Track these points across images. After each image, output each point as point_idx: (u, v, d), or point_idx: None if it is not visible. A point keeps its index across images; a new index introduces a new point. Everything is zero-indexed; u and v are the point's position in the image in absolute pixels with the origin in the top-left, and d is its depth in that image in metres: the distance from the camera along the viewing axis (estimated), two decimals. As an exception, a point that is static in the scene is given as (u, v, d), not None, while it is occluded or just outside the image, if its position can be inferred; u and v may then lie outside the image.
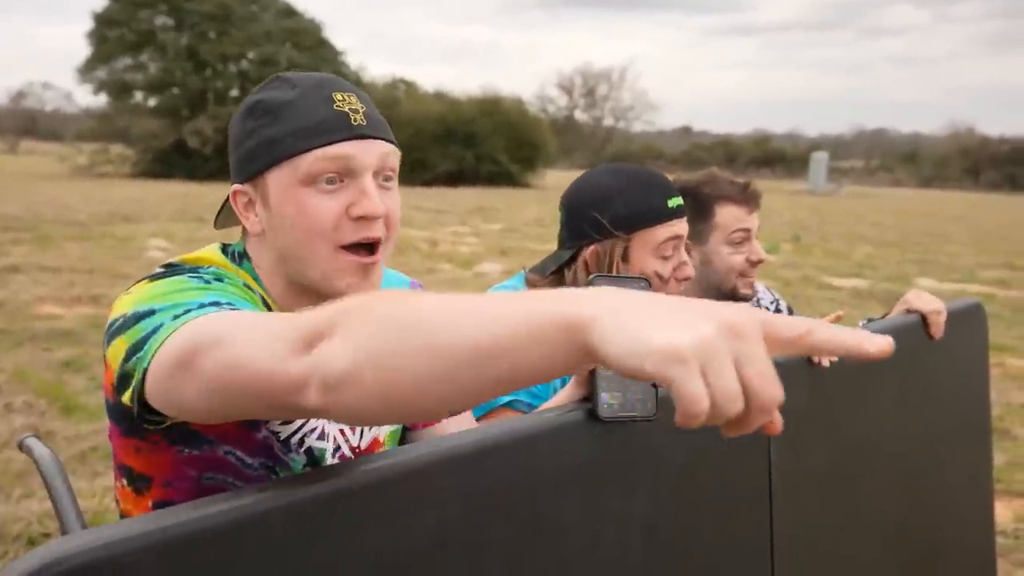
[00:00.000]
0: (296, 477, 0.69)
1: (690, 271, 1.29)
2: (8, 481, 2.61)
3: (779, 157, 48.02)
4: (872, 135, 68.16)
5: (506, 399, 1.20)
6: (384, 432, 1.04)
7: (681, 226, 1.27)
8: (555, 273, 1.31)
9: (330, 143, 0.83)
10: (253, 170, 0.87)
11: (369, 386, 0.53)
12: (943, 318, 1.50)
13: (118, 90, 25.16)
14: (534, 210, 13.49)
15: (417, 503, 0.74)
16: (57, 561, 0.54)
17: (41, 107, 60.13)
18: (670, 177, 1.65)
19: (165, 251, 7.76)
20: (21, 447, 1.17)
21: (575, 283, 1.28)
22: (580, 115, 54.25)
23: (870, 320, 1.64)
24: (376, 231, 0.86)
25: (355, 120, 0.85)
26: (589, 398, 0.88)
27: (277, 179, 0.85)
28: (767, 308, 1.76)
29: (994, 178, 40.40)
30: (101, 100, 26.72)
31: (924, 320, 1.49)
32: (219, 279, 0.83)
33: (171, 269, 0.85)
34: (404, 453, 0.77)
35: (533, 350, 0.49)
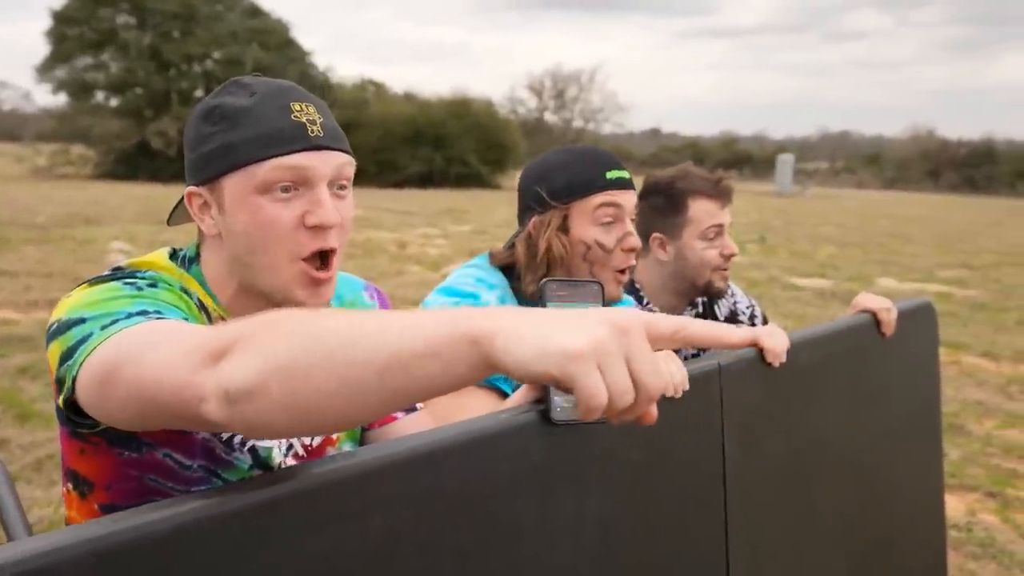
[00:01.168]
0: (243, 482, 0.69)
1: (636, 242, 1.30)
2: (-39, 491, 2.55)
3: (746, 159, 48.66)
4: (837, 137, 69.37)
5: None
6: None
7: (622, 196, 1.30)
8: (511, 247, 1.36)
9: (287, 153, 0.85)
10: (209, 174, 0.88)
11: (274, 399, 0.55)
12: (893, 315, 1.54)
13: (78, 90, 24.61)
14: (504, 211, 13.51)
15: (367, 506, 0.74)
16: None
17: (-2, 107, 58.74)
18: (641, 177, 1.69)
19: (127, 254, 7.62)
20: None
21: (524, 252, 1.32)
22: (550, 117, 54.43)
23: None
24: (331, 241, 0.88)
25: (312, 131, 0.87)
26: (542, 401, 0.89)
27: (233, 184, 0.86)
28: (743, 313, 1.79)
29: (953, 180, 41.38)
30: (61, 100, 26.17)
31: (876, 319, 1.53)
32: (153, 284, 0.84)
33: (112, 273, 0.86)
34: (353, 456, 0.77)
35: (436, 363, 0.51)
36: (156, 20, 24.60)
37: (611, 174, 1.29)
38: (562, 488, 0.92)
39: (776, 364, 1.25)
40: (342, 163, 0.89)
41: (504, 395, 1.25)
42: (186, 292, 0.89)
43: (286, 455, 0.97)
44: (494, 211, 13.32)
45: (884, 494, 1.57)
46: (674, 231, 1.59)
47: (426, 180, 24.16)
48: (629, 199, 1.31)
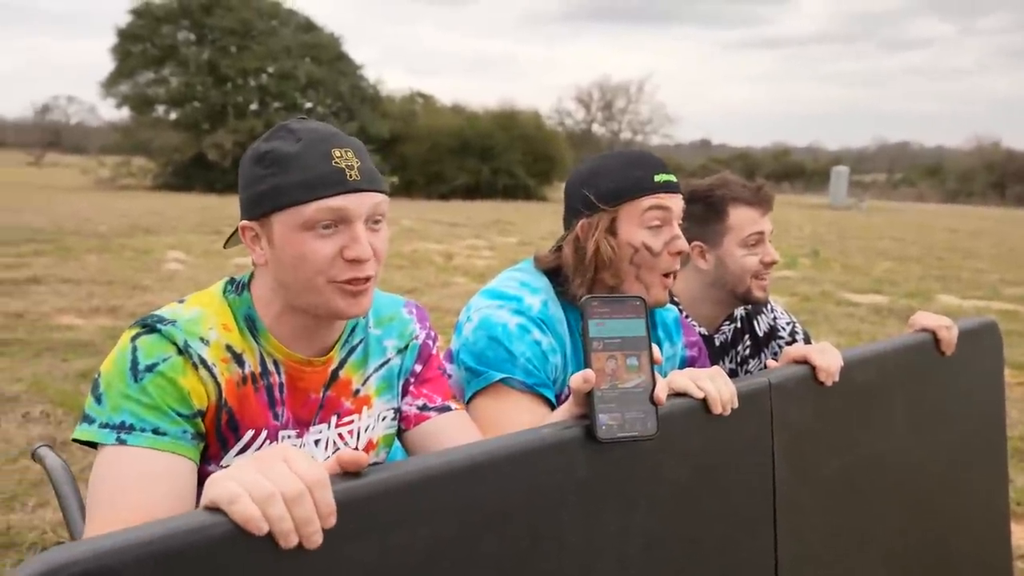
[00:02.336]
0: None
1: (683, 245, 1.29)
2: (24, 490, 2.65)
3: (799, 171, 47.74)
4: (895, 148, 67.58)
5: (500, 376, 1.22)
6: (377, 434, 1.15)
7: (671, 200, 1.29)
8: (557, 250, 1.36)
9: (329, 196, 0.97)
10: (260, 211, 1.00)
11: None
12: (954, 333, 1.49)
13: (140, 104, 25.49)
14: (549, 223, 13.50)
15: (413, 517, 0.74)
16: (53, 570, 0.56)
17: (66, 121, 61.27)
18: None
19: (183, 263, 7.86)
20: (34, 456, 1.20)
21: (572, 255, 1.32)
22: (598, 128, 54.31)
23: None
24: (366, 271, 1.00)
25: (350, 176, 0.99)
26: (587, 417, 0.88)
27: (281, 222, 0.98)
28: (783, 329, 1.75)
29: (1020, 192, 39.88)
30: (124, 114, 27.07)
31: (935, 338, 1.49)
32: (151, 369, 0.95)
33: (144, 330, 0.98)
34: (400, 467, 0.77)
35: None
36: (214, 36, 25.38)
37: (660, 177, 1.29)
38: (607, 504, 0.92)
39: (828, 383, 1.22)
40: (377, 201, 1.01)
41: (548, 402, 1.25)
42: (201, 340, 1.00)
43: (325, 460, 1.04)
44: (540, 223, 13.35)
45: (945, 521, 1.51)
46: (714, 239, 1.58)
47: (473, 192, 24.32)
48: (677, 203, 1.30)
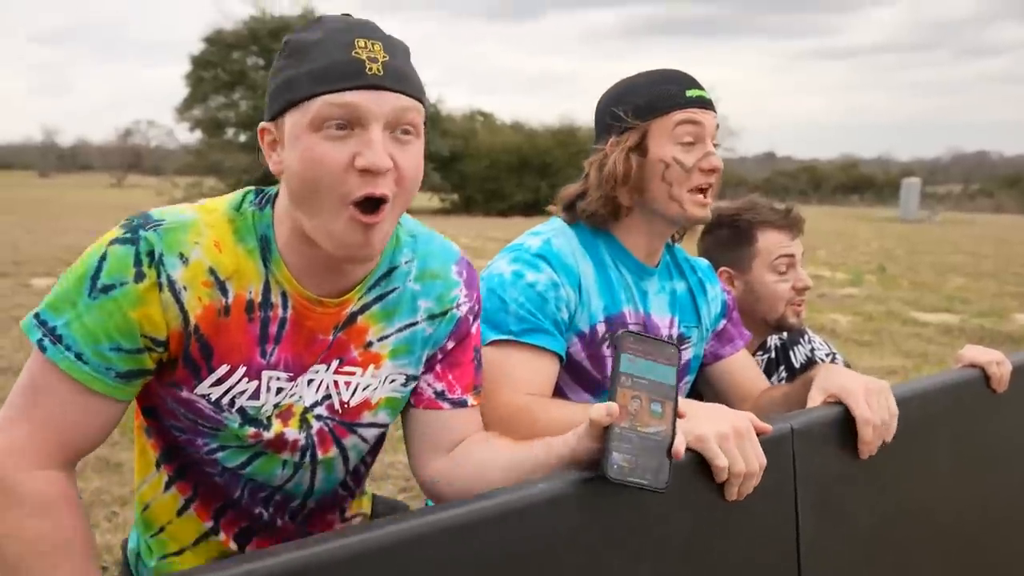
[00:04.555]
0: (293, 543, 0.70)
1: (717, 162, 1.23)
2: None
3: (868, 183, 46.17)
4: (971, 158, 64.84)
5: (494, 335, 1.17)
6: (379, 395, 1.02)
7: (703, 115, 1.24)
8: (585, 177, 1.30)
9: (339, 90, 0.82)
10: (274, 110, 0.88)
11: None
12: (1005, 369, 1.40)
13: (212, 127, 26.50)
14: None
15: (421, 571, 0.73)
16: None
17: (146, 144, 64.31)
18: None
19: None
20: None
21: (595, 175, 1.26)
22: (658, 143, 53.79)
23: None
24: (382, 187, 0.84)
25: (370, 69, 0.83)
26: (600, 453, 0.83)
27: (291, 121, 0.85)
28: (822, 360, 1.67)
29: (1108, 203, 37.62)
30: (197, 136, 28.21)
31: (985, 374, 1.39)
32: (106, 290, 0.86)
33: (123, 234, 0.88)
34: (406, 520, 0.76)
35: None
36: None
37: (692, 92, 1.23)
38: (611, 557, 0.88)
39: (866, 447, 1.10)
40: (403, 106, 0.85)
41: (544, 350, 1.18)
42: (181, 258, 0.88)
43: (320, 404, 0.98)
44: (597, 239, 13.28)
45: (999, 574, 1.41)
46: (742, 264, 1.54)
47: (532, 208, 24.34)
48: (710, 119, 1.24)
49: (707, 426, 0.91)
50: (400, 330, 1.00)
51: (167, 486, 1.04)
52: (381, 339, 0.99)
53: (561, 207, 1.34)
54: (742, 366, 1.41)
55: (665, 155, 1.22)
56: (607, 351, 1.27)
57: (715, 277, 1.44)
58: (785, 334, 1.66)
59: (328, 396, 0.98)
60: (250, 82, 25.94)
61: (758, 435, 0.96)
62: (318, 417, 0.99)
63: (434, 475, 1.05)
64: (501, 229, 16.74)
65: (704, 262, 1.45)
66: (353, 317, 0.97)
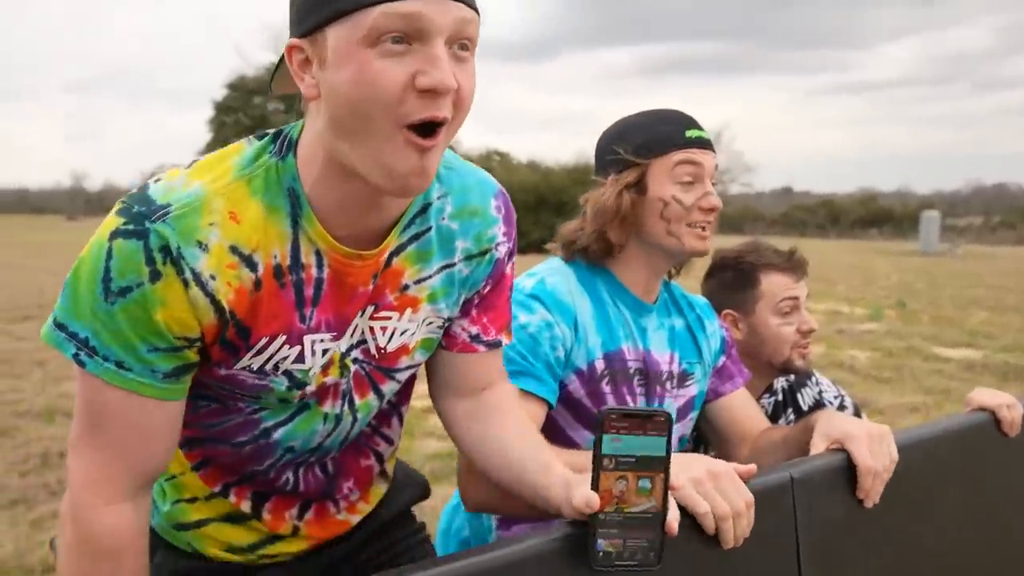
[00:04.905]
0: None
1: (716, 201, 1.24)
2: None
3: (887, 216, 45.86)
4: (991, 190, 64.30)
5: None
6: (415, 340, 0.95)
7: (702, 156, 1.25)
8: (583, 214, 1.33)
9: None
10: (312, 24, 0.75)
11: None
12: (1017, 413, 1.37)
13: (234, 170, 27.15)
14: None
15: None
16: None
17: (169, 187, 65.29)
18: (766, 238, 1.63)
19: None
20: (51, 546, 1.21)
21: (590, 211, 1.28)
22: (674, 179, 53.93)
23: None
24: (444, 109, 0.75)
25: None
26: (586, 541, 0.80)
27: (337, 35, 0.73)
28: (830, 403, 1.65)
29: None
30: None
31: (995, 418, 1.37)
32: (123, 293, 0.77)
33: (126, 224, 0.78)
34: None
35: None
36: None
37: (691, 133, 1.25)
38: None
39: (867, 496, 1.09)
40: (466, 17, 0.74)
41: (544, 401, 1.18)
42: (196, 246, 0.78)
43: (355, 347, 0.92)
44: (614, 277, 13.28)
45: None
46: (746, 307, 1.53)
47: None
48: (709, 159, 1.25)
49: (680, 474, 0.88)
50: (437, 272, 0.93)
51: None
52: (418, 282, 0.91)
53: (560, 244, 1.34)
54: (742, 404, 1.40)
55: (664, 194, 1.23)
56: (607, 387, 1.26)
57: (713, 314, 1.44)
58: (792, 376, 1.64)
59: (363, 341, 0.92)
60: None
61: (746, 480, 0.94)
62: (355, 360, 0.93)
63: (458, 415, 1.04)
64: (519, 266, 16.77)
65: (702, 299, 1.45)
66: (388, 260, 0.88)
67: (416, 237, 0.90)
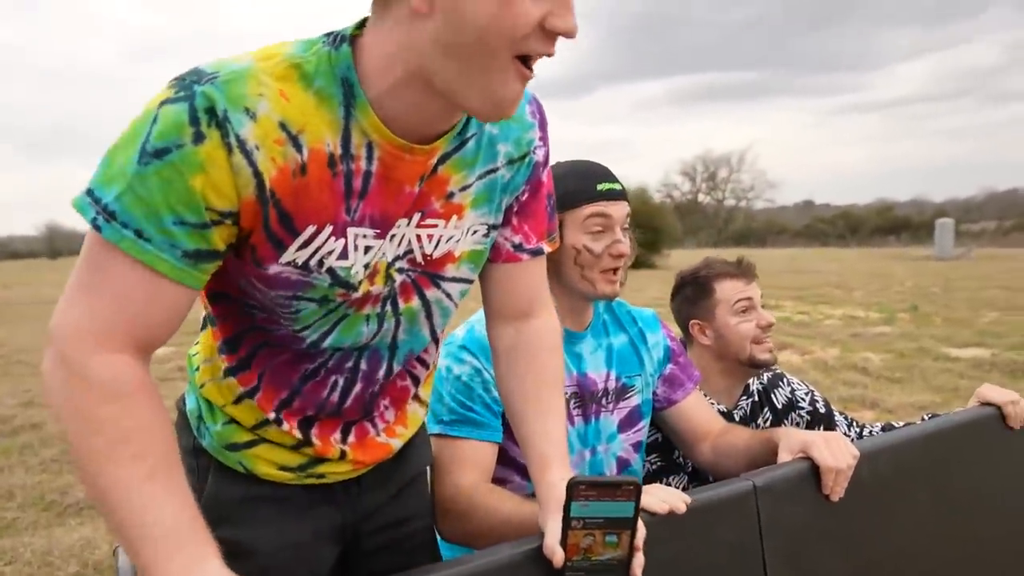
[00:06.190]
0: None
1: (623, 248, 1.26)
2: None
3: (904, 224, 44.22)
4: (1004, 196, 61.41)
5: (434, 429, 1.17)
6: (463, 248, 0.89)
7: (612, 207, 1.26)
8: None
9: None
10: None
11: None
12: (1022, 407, 1.36)
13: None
14: (655, 289, 13.19)
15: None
16: None
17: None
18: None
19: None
20: (115, 553, 1.23)
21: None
22: (703, 198, 53.28)
23: (933, 416, 1.47)
24: (554, 48, 0.72)
25: None
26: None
27: None
28: (802, 400, 1.64)
29: None
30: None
31: (1001, 413, 1.36)
32: (159, 154, 0.69)
33: (176, 92, 0.70)
34: None
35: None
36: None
37: (602, 186, 1.26)
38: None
39: (833, 497, 1.08)
40: None
41: (489, 443, 1.18)
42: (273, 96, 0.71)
43: (402, 258, 0.85)
44: (646, 289, 13.07)
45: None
46: (708, 315, 1.57)
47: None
48: (618, 209, 1.26)
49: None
50: (480, 177, 0.86)
51: (226, 374, 0.90)
52: (463, 189, 0.85)
53: None
54: (695, 408, 1.40)
55: (576, 243, 1.25)
56: None
57: (658, 326, 1.44)
58: (766, 378, 1.65)
59: (410, 251, 0.85)
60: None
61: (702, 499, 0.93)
62: (400, 270, 0.86)
63: (500, 351, 1.00)
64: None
65: (648, 312, 1.45)
66: (434, 167, 0.82)
67: (461, 145, 0.84)
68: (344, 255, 0.80)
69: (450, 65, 0.71)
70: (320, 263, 0.79)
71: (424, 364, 1.01)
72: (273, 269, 0.77)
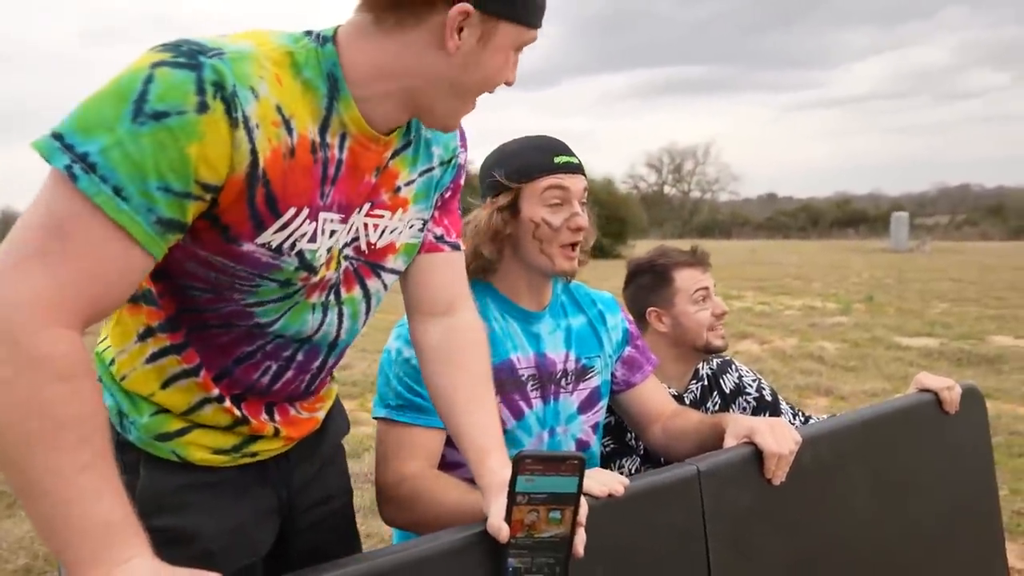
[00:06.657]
0: None
1: (582, 221, 1.24)
2: None
3: (861, 217, 45.29)
4: (956, 191, 63.36)
5: (379, 412, 1.17)
6: (402, 240, 0.95)
7: (570, 180, 1.24)
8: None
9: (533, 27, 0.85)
10: (495, 11, 0.80)
11: None
12: (956, 393, 1.41)
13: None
14: (620, 279, 13.29)
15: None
16: None
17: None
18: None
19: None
20: None
21: (473, 223, 1.25)
22: (669, 189, 53.78)
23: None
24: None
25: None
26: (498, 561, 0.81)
27: (506, 33, 0.82)
28: (749, 386, 1.67)
29: (1088, 226, 36.24)
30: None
31: (937, 398, 1.40)
32: (158, 117, 0.67)
33: (173, 56, 0.70)
34: (325, 572, 0.76)
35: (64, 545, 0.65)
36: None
37: (560, 159, 1.24)
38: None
39: (775, 481, 1.10)
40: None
41: (435, 429, 1.15)
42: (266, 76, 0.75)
43: (349, 245, 0.89)
44: (610, 279, 13.24)
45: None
46: (667, 302, 1.58)
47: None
48: (576, 183, 1.25)
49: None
50: (421, 175, 0.95)
51: (163, 353, 0.88)
52: (407, 184, 0.93)
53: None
54: (651, 391, 1.42)
55: (535, 216, 1.23)
56: (498, 398, 1.22)
57: (617, 308, 1.44)
58: (715, 364, 1.68)
59: (356, 238, 0.90)
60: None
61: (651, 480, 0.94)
62: (346, 257, 0.90)
63: (427, 346, 1.01)
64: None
65: (607, 295, 1.46)
66: (387, 160, 0.89)
67: (407, 144, 0.93)
68: (313, 238, 0.83)
69: (444, 94, 0.83)
70: (292, 245, 0.82)
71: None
72: (247, 248, 0.78)
